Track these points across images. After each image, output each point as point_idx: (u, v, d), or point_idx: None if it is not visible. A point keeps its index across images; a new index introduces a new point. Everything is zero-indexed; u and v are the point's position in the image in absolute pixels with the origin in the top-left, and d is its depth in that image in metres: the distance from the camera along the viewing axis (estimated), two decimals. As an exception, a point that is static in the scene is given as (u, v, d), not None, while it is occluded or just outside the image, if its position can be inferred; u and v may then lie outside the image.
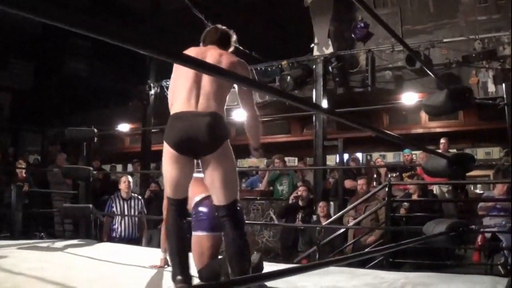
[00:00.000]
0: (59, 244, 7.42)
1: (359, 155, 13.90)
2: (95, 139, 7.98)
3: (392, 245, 3.81)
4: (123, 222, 9.06)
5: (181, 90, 3.90)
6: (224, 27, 4.37)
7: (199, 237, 4.44)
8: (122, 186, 9.27)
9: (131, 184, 9.50)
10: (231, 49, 4.34)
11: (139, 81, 14.65)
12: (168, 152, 3.89)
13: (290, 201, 10.23)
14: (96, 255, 6.20)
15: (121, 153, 18.25)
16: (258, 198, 11.36)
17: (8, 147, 14.57)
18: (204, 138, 3.76)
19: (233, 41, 4.37)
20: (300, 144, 13.89)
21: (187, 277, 3.91)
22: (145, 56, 13.97)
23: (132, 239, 8.90)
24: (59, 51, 15.98)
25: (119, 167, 17.66)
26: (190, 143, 3.79)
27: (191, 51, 4.03)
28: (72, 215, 9.09)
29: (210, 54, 4.02)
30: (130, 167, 16.18)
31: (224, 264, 4.03)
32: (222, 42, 4.25)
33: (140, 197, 9.47)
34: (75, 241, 7.81)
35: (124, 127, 17.62)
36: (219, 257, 4.50)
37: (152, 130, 14.70)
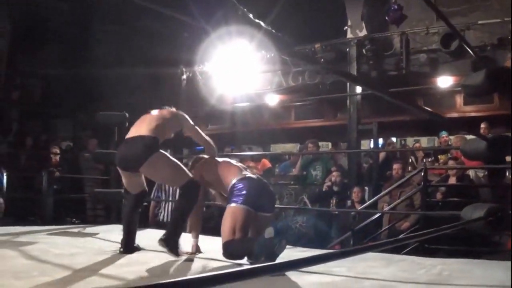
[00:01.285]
0: (90, 229, 7.48)
1: (393, 139, 13.78)
2: (126, 123, 8.00)
3: (429, 230, 3.76)
4: (167, 206, 9.15)
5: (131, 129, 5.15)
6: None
7: (233, 208, 4.70)
8: None
9: None
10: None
11: (172, 65, 14.66)
12: None
13: (324, 188, 10.23)
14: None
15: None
16: (292, 183, 11.39)
17: (40, 134, 14.72)
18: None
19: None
20: (333, 128, 13.80)
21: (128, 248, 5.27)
22: (177, 40, 14.02)
23: None
24: (88, 37, 16.04)
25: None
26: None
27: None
28: (104, 200, 9.14)
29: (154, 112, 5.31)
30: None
31: (252, 245, 4.41)
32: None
33: None
34: (106, 227, 7.92)
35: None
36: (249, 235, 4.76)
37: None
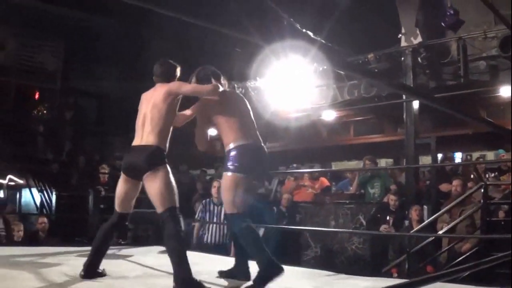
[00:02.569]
0: (128, 251, 7.41)
1: (458, 154, 13.13)
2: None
3: (491, 258, 3.32)
4: (211, 228, 9.05)
5: (138, 125, 5.06)
6: (167, 61, 5.36)
7: (227, 176, 5.00)
8: (213, 191, 9.29)
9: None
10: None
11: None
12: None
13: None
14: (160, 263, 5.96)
15: (212, 157, 18.12)
16: (348, 202, 11.01)
17: (93, 153, 14.79)
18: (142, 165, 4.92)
19: (177, 72, 5.33)
20: (394, 144, 13.26)
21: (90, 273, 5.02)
22: (230, 55, 13.85)
23: (220, 246, 8.81)
24: (142, 53, 16.10)
25: (211, 172, 17.58)
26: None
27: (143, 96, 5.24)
28: (146, 220, 9.06)
29: (157, 94, 5.07)
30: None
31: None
32: (166, 76, 5.23)
33: None
34: (145, 248, 7.75)
35: (213, 131, 17.53)
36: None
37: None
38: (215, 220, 9.08)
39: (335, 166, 17.29)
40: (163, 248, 7.56)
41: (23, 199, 16.93)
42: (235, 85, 14.35)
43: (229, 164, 4.96)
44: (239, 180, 4.97)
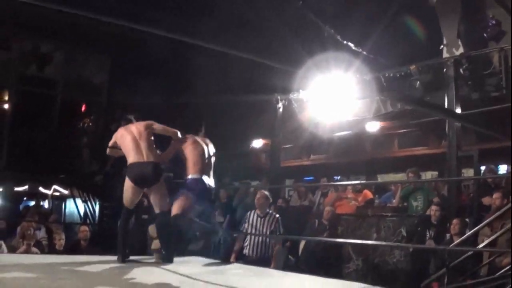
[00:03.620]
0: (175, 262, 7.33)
1: (503, 167, 12.94)
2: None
3: None
4: (253, 240, 9.01)
5: (131, 147, 6.98)
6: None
7: (182, 194, 7.26)
8: (256, 202, 9.26)
9: (268, 200, 9.33)
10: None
11: (267, 94, 14.63)
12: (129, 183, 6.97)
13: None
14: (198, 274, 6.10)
15: (258, 168, 18.26)
16: (390, 214, 10.96)
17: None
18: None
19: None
20: (438, 157, 13.15)
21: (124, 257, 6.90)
22: (272, 68, 13.94)
23: (261, 259, 8.78)
24: (186, 67, 16.33)
25: (255, 184, 17.68)
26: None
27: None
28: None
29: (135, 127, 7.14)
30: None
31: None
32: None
33: (277, 215, 9.20)
34: (186, 258, 7.82)
35: (258, 143, 17.69)
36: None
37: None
38: (254, 231, 9.00)
39: (381, 178, 17.26)
40: (202, 259, 7.79)
41: (67, 209, 17.34)
42: (278, 98, 14.50)
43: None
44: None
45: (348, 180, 14.42)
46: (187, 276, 5.90)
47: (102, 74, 18.29)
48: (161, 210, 7.10)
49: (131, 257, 7.11)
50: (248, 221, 9.06)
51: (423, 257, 9.49)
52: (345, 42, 12.14)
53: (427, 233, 9.61)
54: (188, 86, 16.38)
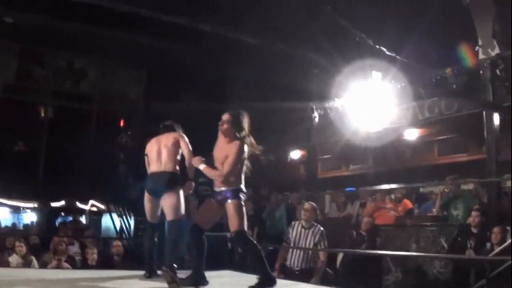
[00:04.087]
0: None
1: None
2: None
3: None
4: (296, 252, 8.88)
5: (153, 157, 6.88)
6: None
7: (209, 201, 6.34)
8: (302, 213, 9.18)
9: (315, 212, 9.18)
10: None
11: (303, 102, 14.51)
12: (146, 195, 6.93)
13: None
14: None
15: (295, 180, 18.11)
16: (429, 224, 10.70)
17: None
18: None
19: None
20: (479, 163, 12.80)
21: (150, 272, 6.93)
22: (307, 77, 13.82)
23: (304, 271, 8.65)
24: (219, 80, 16.36)
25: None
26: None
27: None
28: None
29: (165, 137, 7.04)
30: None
31: None
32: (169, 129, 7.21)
33: (322, 228, 9.02)
34: (217, 272, 7.65)
35: (295, 154, 17.52)
36: None
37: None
38: (298, 243, 8.90)
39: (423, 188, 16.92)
40: (235, 272, 7.65)
41: (104, 224, 17.41)
42: (314, 107, 14.32)
43: None
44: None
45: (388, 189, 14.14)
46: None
47: (138, 88, 18.39)
48: (171, 218, 6.66)
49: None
50: (292, 232, 8.95)
51: (463, 268, 9.19)
52: (379, 47, 11.90)
53: (468, 242, 9.30)
54: (223, 97, 16.35)
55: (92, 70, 18.13)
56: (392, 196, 12.28)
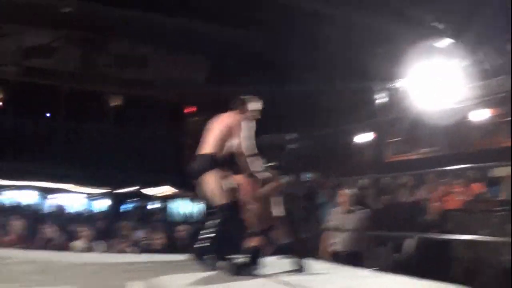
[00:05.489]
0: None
1: None
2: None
3: None
4: (339, 236, 9.07)
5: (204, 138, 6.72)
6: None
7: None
8: (340, 199, 9.42)
9: (352, 197, 9.36)
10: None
11: (369, 83, 14.42)
12: None
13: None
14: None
15: (361, 164, 17.96)
16: (497, 209, 10.47)
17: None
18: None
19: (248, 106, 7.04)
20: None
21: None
22: (371, 57, 13.69)
23: (350, 255, 8.80)
24: (282, 61, 16.34)
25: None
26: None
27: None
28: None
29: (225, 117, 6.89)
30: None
31: None
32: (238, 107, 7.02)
33: (366, 210, 9.28)
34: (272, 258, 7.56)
35: (363, 137, 17.40)
36: None
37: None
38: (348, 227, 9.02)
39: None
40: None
41: (174, 209, 17.71)
42: (379, 88, 14.19)
43: None
44: None
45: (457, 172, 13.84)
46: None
47: (201, 75, 18.53)
48: (218, 204, 6.56)
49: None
50: (333, 217, 9.22)
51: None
52: (444, 27, 11.70)
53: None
54: (288, 79, 16.34)
55: (154, 57, 18.34)
56: (461, 180, 12.05)
